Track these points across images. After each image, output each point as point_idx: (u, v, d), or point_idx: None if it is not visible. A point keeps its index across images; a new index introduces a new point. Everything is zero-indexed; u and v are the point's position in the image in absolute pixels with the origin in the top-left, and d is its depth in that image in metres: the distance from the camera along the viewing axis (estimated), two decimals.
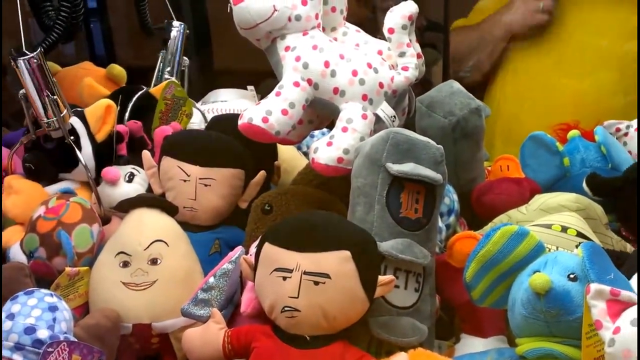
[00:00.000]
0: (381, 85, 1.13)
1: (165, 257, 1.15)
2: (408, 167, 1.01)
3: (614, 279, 0.88)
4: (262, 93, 1.78)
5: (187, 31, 1.72)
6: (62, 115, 1.32)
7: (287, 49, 1.13)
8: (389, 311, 1.00)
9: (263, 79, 1.87)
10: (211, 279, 1.07)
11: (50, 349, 0.95)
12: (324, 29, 1.17)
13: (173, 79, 1.60)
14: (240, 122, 1.12)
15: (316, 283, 0.93)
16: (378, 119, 1.13)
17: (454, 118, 1.29)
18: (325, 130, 1.49)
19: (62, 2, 1.46)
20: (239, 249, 1.10)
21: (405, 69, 1.16)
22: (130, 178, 1.41)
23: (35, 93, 1.30)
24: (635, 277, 0.89)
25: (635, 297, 0.81)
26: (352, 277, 0.93)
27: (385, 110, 1.13)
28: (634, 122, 1.49)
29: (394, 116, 1.14)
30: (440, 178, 1.02)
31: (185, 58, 1.73)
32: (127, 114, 1.56)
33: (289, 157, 1.50)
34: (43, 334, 0.96)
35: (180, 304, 1.08)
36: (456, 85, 1.34)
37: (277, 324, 0.96)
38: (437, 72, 2.15)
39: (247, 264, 1.01)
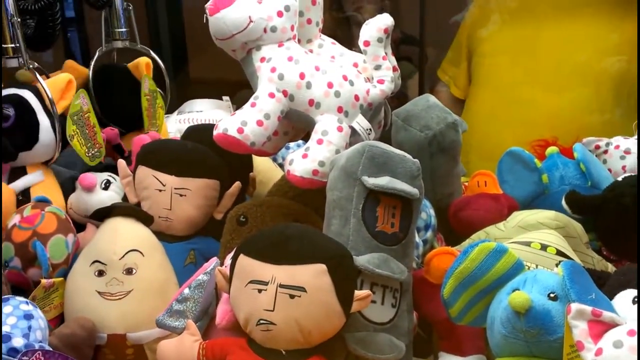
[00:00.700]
0: (357, 97, 1.13)
1: (141, 267, 1.15)
2: (384, 181, 1.00)
3: (596, 299, 0.87)
4: (238, 104, 1.79)
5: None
6: None
7: (262, 60, 1.13)
8: (366, 327, 1.00)
9: (238, 89, 1.88)
10: (186, 290, 1.06)
11: (25, 358, 0.94)
12: (299, 41, 1.17)
13: (148, 75, 1.57)
14: (215, 132, 1.12)
15: (292, 296, 0.92)
16: (354, 131, 1.13)
17: (431, 132, 1.29)
18: (300, 142, 1.49)
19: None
20: (214, 260, 1.09)
21: (381, 81, 1.16)
22: (107, 185, 1.40)
23: None
24: (617, 296, 0.89)
25: (617, 318, 0.80)
26: (328, 291, 0.93)
27: (360, 123, 1.13)
28: (614, 140, 1.49)
29: (370, 129, 1.14)
30: (416, 192, 1.02)
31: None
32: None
33: (265, 169, 1.50)
34: (18, 342, 0.96)
35: (155, 315, 1.07)
36: (432, 99, 1.34)
37: (252, 337, 0.96)
38: (413, 86, 2.17)
39: (222, 275, 1.00)
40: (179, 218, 1.30)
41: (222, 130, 1.10)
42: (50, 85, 1.38)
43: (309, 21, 1.21)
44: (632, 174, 1.37)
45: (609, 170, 1.44)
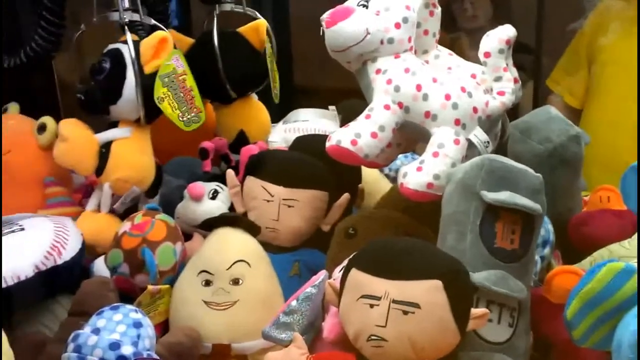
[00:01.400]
0: (475, 109, 1.10)
1: (247, 278, 1.14)
2: (504, 196, 0.97)
3: None
4: (342, 112, 1.78)
5: None
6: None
7: (378, 71, 1.12)
8: (481, 346, 0.97)
9: (342, 97, 1.87)
10: (293, 303, 1.05)
11: None
12: (415, 52, 1.15)
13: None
14: (328, 144, 1.11)
15: (405, 312, 0.89)
16: (470, 144, 1.10)
17: (551, 145, 1.24)
18: (408, 153, 1.46)
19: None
20: (322, 273, 1.07)
21: (501, 93, 1.13)
22: (214, 195, 1.41)
23: None
24: None
25: None
26: (443, 308, 0.90)
27: (478, 135, 1.10)
28: None
29: (488, 142, 1.11)
30: (539, 208, 0.98)
31: None
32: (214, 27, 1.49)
33: (372, 180, 1.48)
34: (127, 350, 0.97)
35: (260, 326, 1.06)
36: (553, 110, 1.30)
37: (362, 353, 0.93)
38: (526, 95, 2.10)
39: (332, 288, 0.98)
40: (286, 229, 1.29)
41: (335, 142, 1.09)
42: (144, 43, 1.34)
43: (426, 32, 1.18)
44: None
45: None
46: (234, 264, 1.14)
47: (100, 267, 1.23)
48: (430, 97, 1.09)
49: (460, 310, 0.91)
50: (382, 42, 1.11)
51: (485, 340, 0.97)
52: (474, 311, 0.93)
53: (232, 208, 1.39)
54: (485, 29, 1.17)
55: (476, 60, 1.17)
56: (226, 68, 1.51)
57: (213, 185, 1.42)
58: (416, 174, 1.07)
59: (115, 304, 1.04)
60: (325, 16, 1.12)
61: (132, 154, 1.34)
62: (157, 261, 1.20)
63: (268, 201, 1.29)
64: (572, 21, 2.08)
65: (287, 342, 1.02)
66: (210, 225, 1.21)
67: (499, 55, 1.12)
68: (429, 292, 0.90)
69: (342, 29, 1.10)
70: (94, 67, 1.35)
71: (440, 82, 1.11)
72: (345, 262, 1.08)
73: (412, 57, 1.13)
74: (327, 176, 1.30)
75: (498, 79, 1.13)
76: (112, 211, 1.37)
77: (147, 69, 1.34)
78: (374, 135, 1.08)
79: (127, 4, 1.39)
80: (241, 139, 1.56)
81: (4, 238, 1.12)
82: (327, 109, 1.79)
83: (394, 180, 1.56)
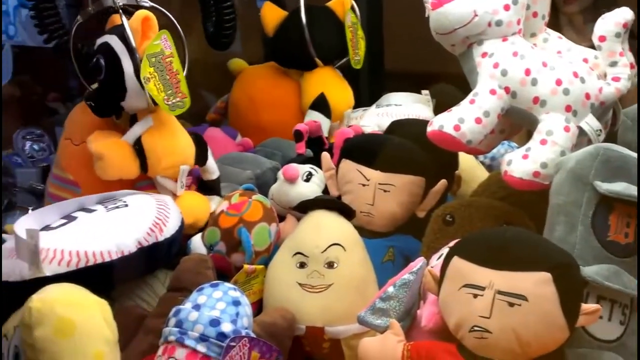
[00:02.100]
0: (587, 96, 1.06)
1: (342, 262, 1.14)
2: (620, 187, 0.93)
3: None
4: (435, 97, 1.75)
5: None
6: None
7: (484, 55, 1.09)
8: (589, 343, 0.94)
9: (433, 82, 1.83)
10: (390, 289, 1.03)
11: (232, 344, 0.96)
12: (523, 35, 1.12)
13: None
14: (429, 129, 1.09)
15: (511, 304, 0.87)
16: (581, 132, 1.06)
17: None
18: (505, 141, 1.42)
19: None
20: (420, 260, 1.06)
21: (616, 79, 1.08)
22: (308, 177, 1.41)
23: None
24: None
25: None
26: (551, 302, 0.87)
27: (590, 123, 1.06)
28: None
29: (600, 130, 1.07)
30: None
31: None
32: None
33: (468, 167, 1.44)
34: (227, 327, 0.98)
35: (354, 311, 1.05)
36: None
37: (464, 344, 0.91)
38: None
39: (431, 276, 0.96)
40: (381, 214, 1.28)
41: (437, 127, 1.07)
42: (131, 27, 1.24)
43: (535, 14, 1.15)
44: None
45: None
46: (329, 247, 1.13)
47: (196, 244, 1.24)
48: (539, 82, 1.06)
49: (570, 305, 0.88)
50: (489, 25, 1.09)
51: (594, 337, 0.94)
52: (585, 307, 0.89)
53: (325, 191, 1.39)
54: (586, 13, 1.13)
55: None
56: (313, 38, 1.70)
57: (307, 167, 1.42)
58: (522, 161, 1.04)
59: (215, 282, 1.05)
60: None
61: (164, 141, 1.28)
62: (253, 241, 1.21)
63: (364, 185, 1.28)
64: None
65: (383, 329, 1.01)
66: (305, 207, 1.20)
67: (615, 39, 1.07)
68: (537, 284, 0.87)
69: (448, 11, 1.08)
70: (91, 68, 1.28)
71: (550, 66, 1.07)
72: (444, 250, 1.07)
73: (521, 40, 1.10)
74: (425, 161, 1.28)
75: (613, 64, 1.08)
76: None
77: (141, 54, 1.23)
78: (478, 120, 1.06)
79: None
80: (322, 101, 1.67)
81: (109, 213, 1.15)
82: (420, 93, 1.76)
83: (489, 168, 1.53)
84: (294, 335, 1.11)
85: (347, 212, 1.20)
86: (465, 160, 1.43)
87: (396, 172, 1.27)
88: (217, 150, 1.61)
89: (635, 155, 0.97)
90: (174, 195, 1.29)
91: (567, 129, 1.05)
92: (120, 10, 1.28)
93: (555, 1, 2.28)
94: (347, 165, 1.31)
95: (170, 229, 1.17)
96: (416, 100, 1.73)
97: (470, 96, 1.08)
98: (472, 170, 1.45)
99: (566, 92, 1.05)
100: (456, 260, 0.92)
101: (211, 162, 1.39)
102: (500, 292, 0.87)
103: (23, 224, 1.06)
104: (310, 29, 1.69)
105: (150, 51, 1.23)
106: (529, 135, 1.12)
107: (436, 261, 1.07)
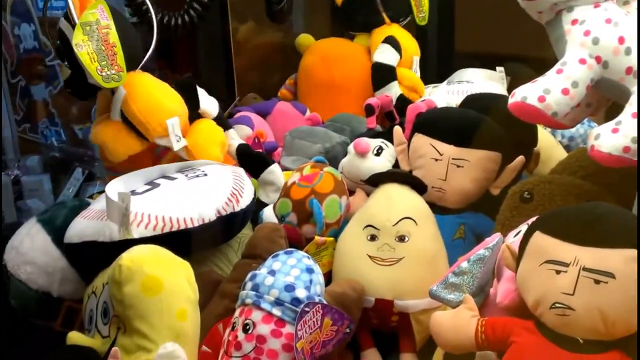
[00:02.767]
0: None
1: (413, 236, 1.12)
2: None
3: None
4: (508, 75, 1.71)
5: None
6: None
7: (574, 22, 1.03)
8: None
9: (501, 63, 1.78)
10: (464, 264, 1.01)
11: (307, 309, 0.96)
12: (616, 2, 1.06)
13: None
14: (511, 100, 1.03)
15: (597, 282, 0.83)
16: None
17: None
18: (585, 121, 1.37)
19: None
20: (497, 236, 1.02)
21: None
22: (379, 152, 1.39)
23: None
24: None
25: None
26: None
27: None
28: None
29: None
30: None
31: None
32: None
33: (546, 145, 1.40)
34: (301, 293, 0.97)
35: (424, 285, 1.03)
36: None
37: (543, 321, 0.88)
38: None
39: (510, 251, 0.93)
40: (453, 190, 1.25)
41: (520, 98, 1.01)
42: (68, 1, 1.22)
43: None
44: None
45: None
46: (400, 220, 1.11)
47: (268, 215, 1.24)
48: (633, 51, 1.00)
49: None
50: None
51: None
52: None
53: (396, 165, 1.37)
54: None
55: None
56: None
57: (378, 141, 1.40)
58: (611, 135, 0.98)
59: (289, 249, 1.05)
60: None
61: (140, 104, 1.25)
62: (324, 213, 1.20)
63: (436, 160, 1.25)
64: None
65: (455, 303, 0.98)
66: (377, 180, 1.19)
67: None
68: (626, 262, 0.82)
69: None
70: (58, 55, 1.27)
71: None
72: (522, 227, 1.03)
73: (614, 7, 1.04)
74: (502, 136, 1.24)
75: None
76: None
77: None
78: (565, 91, 1.00)
79: None
80: (393, 38, 1.79)
81: (190, 182, 1.16)
82: (494, 70, 1.72)
83: (566, 148, 1.48)
84: (362, 306, 1.10)
85: (418, 187, 1.17)
86: (543, 139, 1.39)
87: (471, 147, 1.23)
88: (286, 124, 1.62)
89: None
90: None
91: None
92: None
93: None
94: (419, 139, 1.28)
95: (245, 199, 1.17)
96: (489, 78, 1.70)
97: (557, 66, 1.02)
98: (549, 150, 1.40)
99: None
100: (538, 236, 0.89)
101: (207, 103, 1.37)
102: (585, 269, 0.83)
103: (114, 187, 1.08)
104: None
105: (85, 20, 1.20)
106: (607, 117, 1.07)
107: (513, 238, 1.04)
